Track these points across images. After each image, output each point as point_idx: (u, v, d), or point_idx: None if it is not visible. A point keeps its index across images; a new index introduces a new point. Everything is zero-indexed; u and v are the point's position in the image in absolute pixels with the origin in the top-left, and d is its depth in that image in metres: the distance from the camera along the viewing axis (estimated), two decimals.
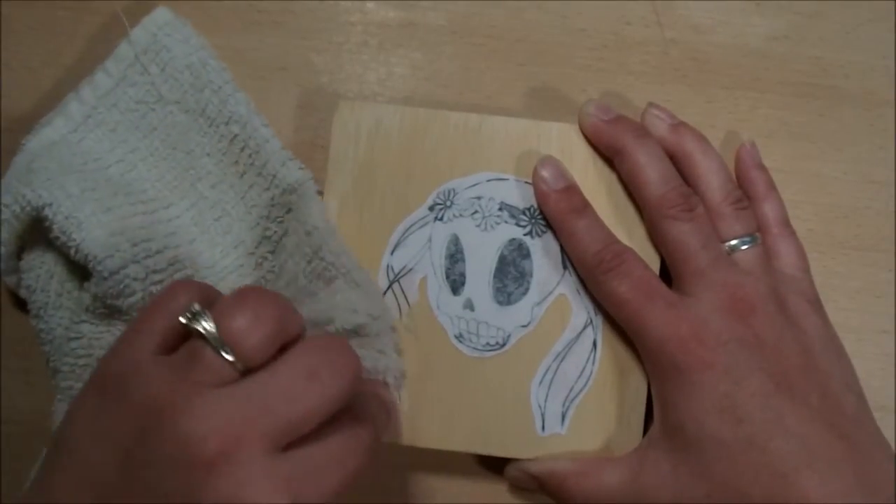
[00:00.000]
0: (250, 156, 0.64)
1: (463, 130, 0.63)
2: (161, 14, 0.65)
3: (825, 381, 0.57)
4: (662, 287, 0.59)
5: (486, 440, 0.63)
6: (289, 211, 0.63)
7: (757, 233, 0.61)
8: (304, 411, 0.46)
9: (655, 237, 0.61)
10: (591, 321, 0.62)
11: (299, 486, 0.45)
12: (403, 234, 0.64)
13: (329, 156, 0.64)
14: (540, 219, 0.62)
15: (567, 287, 0.63)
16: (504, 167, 0.63)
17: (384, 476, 0.67)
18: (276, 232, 0.64)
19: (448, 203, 0.63)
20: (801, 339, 0.58)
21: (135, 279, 0.60)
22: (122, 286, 0.60)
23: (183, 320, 0.47)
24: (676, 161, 0.62)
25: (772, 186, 0.64)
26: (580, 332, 0.63)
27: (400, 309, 0.63)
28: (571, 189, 0.61)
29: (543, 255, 0.63)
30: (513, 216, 0.63)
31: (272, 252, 0.64)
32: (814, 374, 0.57)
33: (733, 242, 0.60)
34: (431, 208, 0.64)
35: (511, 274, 0.63)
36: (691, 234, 0.59)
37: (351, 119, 0.64)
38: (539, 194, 0.61)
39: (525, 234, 0.63)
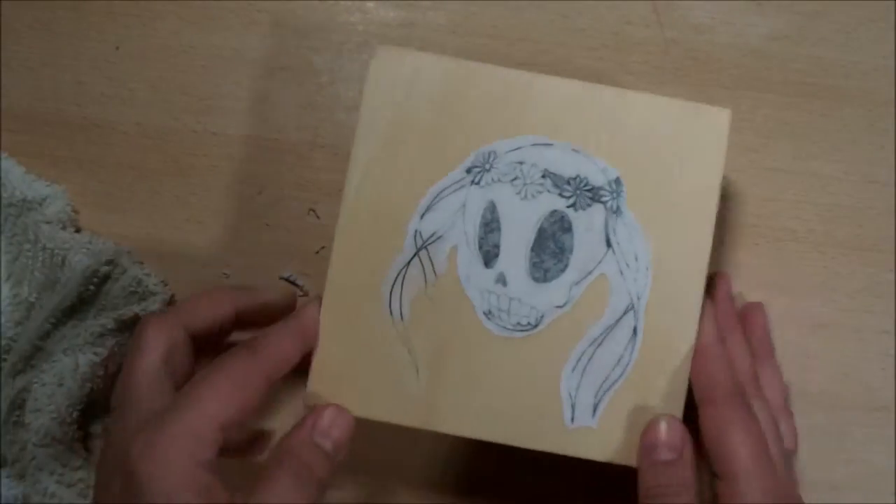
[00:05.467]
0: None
1: (510, 88, 0.41)
2: None
3: None
4: None
5: (508, 429, 0.41)
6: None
7: None
8: None
9: None
10: (633, 306, 0.41)
11: None
12: (436, 196, 0.41)
13: (361, 105, 0.41)
14: (586, 190, 0.39)
15: (609, 267, 0.41)
16: (551, 131, 0.41)
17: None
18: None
19: (487, 166, 0.41)
20: None
21: None
22: None
23: None
24: None
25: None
26: (620, 317, 0.41)
27: (426, 279, 0.41)
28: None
29: (586, 231, 0.41)
30: (556, 185, 0.41)
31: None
32: None
33: None
34: (469, 170, 0.41)
35: (550, 248, 0.41)
36: None
37: (388, 67, 0.41)
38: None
39: (568, 207, 0.41)
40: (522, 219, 0.40)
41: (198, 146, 0.52)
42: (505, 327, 0.40)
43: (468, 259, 0.40)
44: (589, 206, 0.40)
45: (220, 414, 0.34)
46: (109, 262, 0.48)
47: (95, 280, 0.48)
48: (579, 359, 0.40)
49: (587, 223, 0.40)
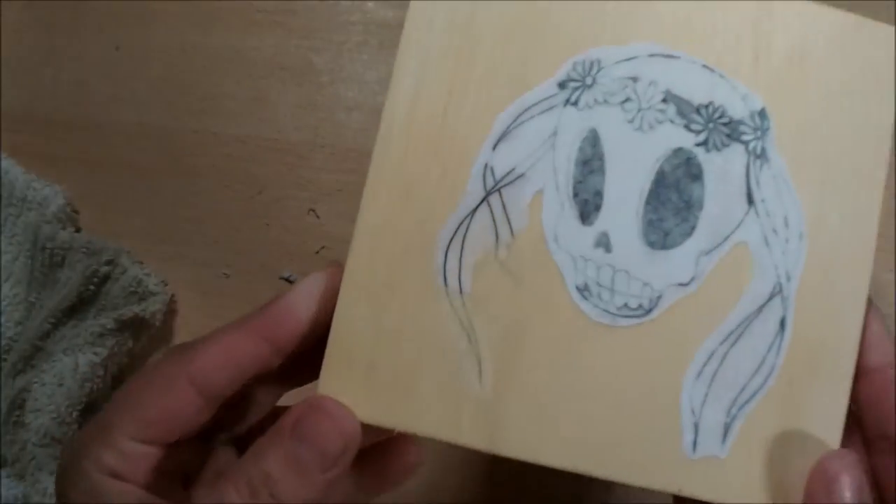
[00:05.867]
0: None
1: None
2: None
3: None
4: None
5: (605, 456, 0.27)
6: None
7: None
8: None
9: None
10: (782, 289, 0.27)
11: None
12: (516, 119, 0.28)
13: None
14: (721, 123, 0.26)
15: (751, 232, 0.28)
16: (675, 40, 0.29)
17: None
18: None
19: (588, 81, 0.28)
20: None
21: None
22: None
23: None
24: None
25: None
26: (763, 305, 0.27)
27: (497, 236, 0.27)
28: None
29: (721, 180, 0.28)
30: (682, 114, 0.28)
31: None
32: None
33: None
34: (563, 85, 0.28)
35: (672, 202, 0.28)
36: None
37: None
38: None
39: (698, 145, 0.28)
40: (635, 157, 0.27)
41: (198, 146, 0.50)
42: (606, 310, 0.27)
43: (558, 210, 0.27)
44: (725, 145, 0.28)
45: (130, 426, 0.28)
46: (109, 262, 0.47)
47: (95, 280, 0.46)
48: (707, 361, 0.27)
49: (722, 169, 0.28)
